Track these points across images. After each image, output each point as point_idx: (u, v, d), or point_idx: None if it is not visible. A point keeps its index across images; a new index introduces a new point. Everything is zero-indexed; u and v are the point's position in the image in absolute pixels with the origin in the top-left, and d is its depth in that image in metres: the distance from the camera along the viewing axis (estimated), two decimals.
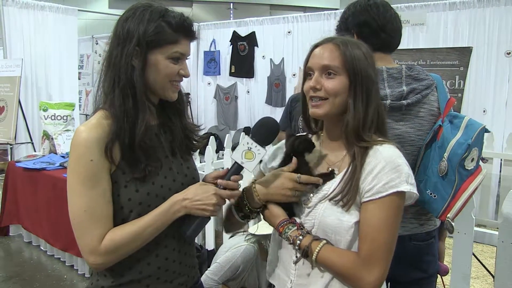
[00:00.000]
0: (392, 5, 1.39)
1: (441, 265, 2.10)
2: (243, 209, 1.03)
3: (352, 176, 0.92)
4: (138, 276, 1.01)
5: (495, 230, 1.65)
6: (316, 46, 1.01)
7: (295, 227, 0.96)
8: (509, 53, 4.05)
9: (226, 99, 6.29)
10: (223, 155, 3.61)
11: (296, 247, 0.95)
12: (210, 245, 2.84)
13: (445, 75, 4.13)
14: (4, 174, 3.74)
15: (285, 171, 0.99)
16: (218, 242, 2.79)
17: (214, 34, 6.29)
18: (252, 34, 5.90)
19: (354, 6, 1.36)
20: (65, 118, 3.89)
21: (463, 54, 4.13)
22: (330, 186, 0.96)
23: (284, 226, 0.96)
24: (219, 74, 6.34)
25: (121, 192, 0.97)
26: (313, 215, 0.96)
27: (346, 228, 0.91)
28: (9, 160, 4.31)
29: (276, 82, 5.73)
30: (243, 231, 2.37)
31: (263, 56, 5.84)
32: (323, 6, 9.39)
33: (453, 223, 1.22)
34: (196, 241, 2.05)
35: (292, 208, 1.01)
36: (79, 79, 6.17)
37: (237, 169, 1.01)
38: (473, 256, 1.77)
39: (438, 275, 1.81)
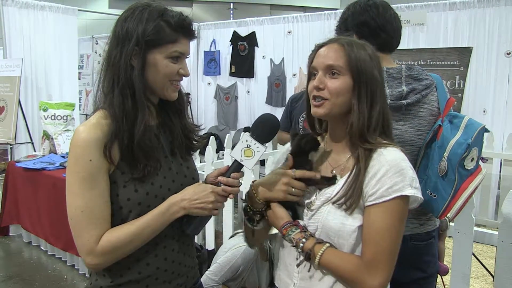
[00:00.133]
0: (392, 5, 1.39)
1: (441, 265, 2.10)
2: (248, 212, 1.03)
3: (355, 179, 0.92)
4: (137, 277, 1.01)
5: (495, 230, 1.65)
6: (321, 46, 1.00)
7: (298, 230, 0.95)
8: (509, 53, 4.05)
9: (226, 99, 6.29)
10: (223, 155, 3.61)
11: (299, 250, 0.94)
12: (210, 245, 2.84)
13: (445, 75, 4.13)
14: (4, 174, 3.74)
15: (284, 169, 0.99)
16: (218, 242, 2.79)
17: (214, 34, 6.29)
18: (252, 34, 5.90)
19: (353, 6, 1.36)
20: (65, 118, 3.89)
21: (463, 54, 4.13)
22: (334, 189, 0.95)
23: (288, 228, 0.96)
24: (219, 74, 6.34)
25: (120, 192, 0.97)
26: (316, 218, 0.95)
27: (349, 231, 0.90)
28: (9, 160, 4.31)
29: (276, 82, 5.73)
30: (243, 231, 2.36)
31: (263, 56, 5.84)
32: (323, 6, 9.38)
33: (449, 223, 1.22)
34: (196, 241, 2.05)
35: (296, 210, 1.01)
36: (79, 79, 6.17)
37: (237, 166, 1.01)
38: (473, 256, 1.77)
39: (438, 275, 1.81)
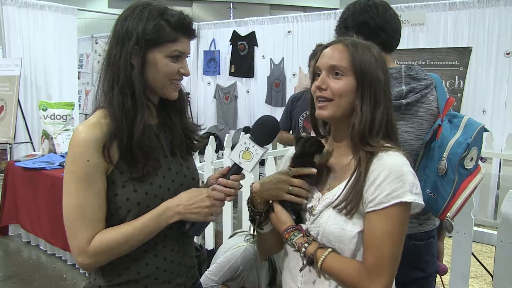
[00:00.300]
0: (391, 5, 1.39)
1: (440, 264, 2.10)
2: (250, 214, 1.03)
3: (356, 183, 0.91)
4: (136, 276, 1.01)
5: (494, 230, 1.65)
6: (326, 46, 1.00)
7: (301, 234, 0.95)
8: (509, 53, 4.05)
9: (226, 99, 6.29)
10: (222, 155, 3.61)
11: (302, 255, 0.94)
12: (209, 244, 2.84)
13: (445, 75, 4.13)
14: (3, 174, 3.74)
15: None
16: (218, 242, 2.79)
17: (214, 34, 6.29)
18: (252, 34, 5.89)
19: (353, 6, 1.36)
20: (64, 117, 3.88)
21: (463, 54, 4.13)
22: (335, 194, 0.94)
23: (290, 232, 0.95)
24: (219, 73, 6.34)
25: (119, 192, 0.96)
26: (318, 223, 0.95)
27: (349, 237, 0.90)
28: (9, 159, 4.31)
29: (276, 82, 5.73)
30: (242, 231, 2.37)
31: (263, 56, 5.84)
32: (323, 6, 9.39)
33: (452, 223, 1.22)
34: (195, 240, 2.05)
35: (299, 215, 1.00)
36: (78, 78, 6.16)
37: (237, 168, 1.00)
38: (472, 256, 1.77)
39: (437, 275, 1.81)
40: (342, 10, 1.44)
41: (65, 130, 3.85)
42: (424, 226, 1.33)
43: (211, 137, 3.68)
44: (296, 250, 0.95)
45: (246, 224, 2.57)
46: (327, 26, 5.05)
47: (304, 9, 10.05)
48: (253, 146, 0.97)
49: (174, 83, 1.01)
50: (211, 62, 6.37)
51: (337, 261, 0.90)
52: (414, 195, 0.87)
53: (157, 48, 0.96)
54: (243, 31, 5.97)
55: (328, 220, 0.93)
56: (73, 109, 4.04)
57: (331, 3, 10.25)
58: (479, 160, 1.28)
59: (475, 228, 1.70)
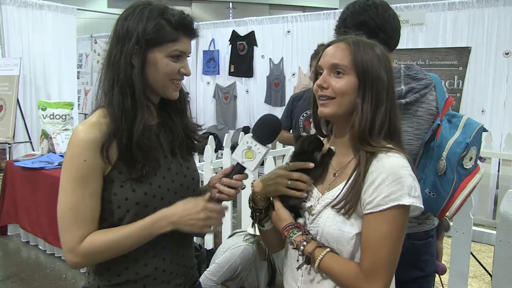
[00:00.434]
0: (391, 5, 1.39)
1: (439, 264, 2.10)
2: (251, 211, 1.03)
3: (355, 183, 0.90)
4: (135, 277, 1.01)
5: (493, 230, 1.66)
6: (328, 44, 0.99)
7: (300, 232, 0.94)
8: (508, 53, 4.06)
9: (225, 99, 6.29)
10: (222, 154, 3.61)
11: (300, 253, 0.94)
12: (209, 244, 2.84)
13: (444, 75, 4.14)
14: (2, 174, 3.74)
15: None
16: (217, 241, 2.79)
17: (213, 34, 6.28)
18: (251, 34, 5.89)
19: (353, 6, 1.36)
20: (64, 117, 3.88)
21: (462, 54, 4.14)
22: (335, 194, 0.94)
23: (289, 230, 0.95)
24: (218, 73, 6.34)
25: (117, 191, 0.96)
26: (317, 223, 0.95)
27: (347, 239, 0.90)
28: (8, 159, 4.30)
29: (276, 81, 5.73)
30: (242, 231, 2.37)
31: (262, 56, 5.84)
32: (323, 6, 9.38)
33: (450, 222, 1.23)
34: (195, 240, 2.05)
35: (300, 214, 1.00)
36: (78, 78, 6.16)
37: (240, 168, 0.99)
38: (471, 255, 1.77)
39: (436, 274, 1.81)
40: (341, 10, 1.44)
41: (64, 129, 3.84)
42: (423, 225, 1.33)
43: (211, 137, 3.69)
44: (294, 248, 0.95)
45: (245, 224, 2.57)
46: (326, 26, 5.06)
47: (303, 9, 10.05)
48: (256, 145, 0.96)
49: (175, 83, 1.01)
50: (210, 62, 6.37)
51: (334, 261, 0.90)
52: (412, 198, 0.85)
53: (158, 48, 0.96)
54: (242, 31, 5.97)
55: (326, 221, 0.92)
56: (72, 108, 4.04)
57: (331, 3, 10.24)
58: (478, 160, 1.28)
59: (474, 228, 1.70)
